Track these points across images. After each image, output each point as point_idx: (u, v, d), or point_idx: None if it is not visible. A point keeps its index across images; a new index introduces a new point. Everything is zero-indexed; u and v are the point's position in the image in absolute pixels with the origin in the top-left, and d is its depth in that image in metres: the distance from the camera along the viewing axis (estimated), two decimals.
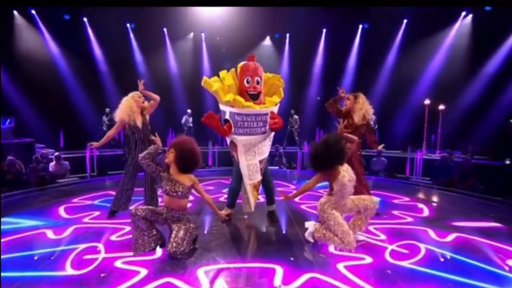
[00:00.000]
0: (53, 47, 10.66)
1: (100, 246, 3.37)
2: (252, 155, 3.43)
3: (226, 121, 3.40)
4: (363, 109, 4.05)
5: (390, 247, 3.41)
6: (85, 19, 11.05)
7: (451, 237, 3.79)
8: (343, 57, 12.43)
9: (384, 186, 6.32)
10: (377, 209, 3.54)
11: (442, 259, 3.14)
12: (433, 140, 10.40)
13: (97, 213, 4.55)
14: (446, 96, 9.94)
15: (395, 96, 10.91)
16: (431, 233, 3.90)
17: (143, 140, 4.15)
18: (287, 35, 12.85)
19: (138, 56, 11.99)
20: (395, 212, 4.72)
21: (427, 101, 9.67)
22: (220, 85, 3.39)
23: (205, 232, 3.82)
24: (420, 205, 5.14)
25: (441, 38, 11.06)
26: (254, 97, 3.38)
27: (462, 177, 6.46)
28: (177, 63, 12.49)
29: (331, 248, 3.28)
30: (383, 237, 3.74)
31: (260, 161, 3.52)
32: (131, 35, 11.94)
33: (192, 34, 12.65)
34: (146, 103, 4.05)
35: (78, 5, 9.54)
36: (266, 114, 3.42)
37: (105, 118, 10.23)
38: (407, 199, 5.55)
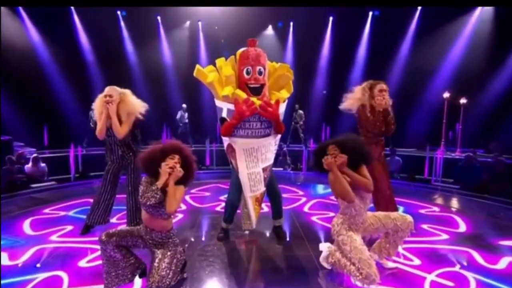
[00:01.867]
0: (35, 35, 10.13)
1: (64, 276, 2.77)
2: (254, 161, 3.03)
3: (223, 120, 3.01)
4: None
5: (429, 277, 2.81)
6: (71, 6, 10.60)
7: (503, 263, 3.14)
8: (351, 47, 12.03)
9: (402, 191, 5.67)
10: (412, 230, 2.84)
11: None
12: (450, 137, 9.88)
13: (69, 227, 3.94)
14: (468, 89, 9.39)
15: (410, 89, 10.35)
16: (477, 256, 3.28)
17: (118, 144, 3.59)
18: (291, 23, 12.50)
19: (129, 45, 11.58)
20: (425, 227, 4.09)
21: (446, 94, 9.13)
22: (217, 76, 3.03)
23: (197, 255, 3.22)
24: (453, 217, 4.53)
25: (460, 26, 10.58)
26: (256, 91, 2.98)
27: (494, 180, 5.78)
28: (172, 54, 12.05)
29: (353, 279, 2.60)
30: (417, 261, 3.12)
31: (264, 169, 3.11)
32: (122, 23, 11.53)
33: (188, 22, 12.30)
34: (114, 104, 3.40)
35: (73, 5, 9.27)
36: None
37: (92, 114, 9.55)
38: (435, 208, 4.92)
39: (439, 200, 5.45)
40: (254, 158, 3.04)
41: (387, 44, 11.23)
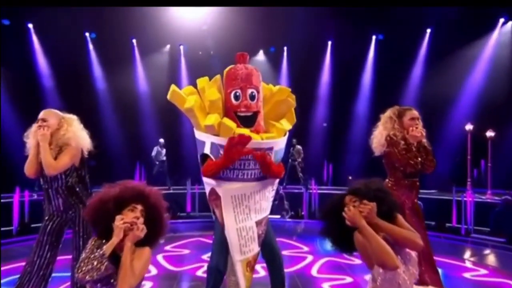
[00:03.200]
0: None
1: None
2: (246, 213, 2.81)
3: (205, 157, 2.80)
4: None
5: None
6: (30, 26, 10.38)
7: None
8: (354, 74, 12.04)
9: (432, 245, 4.96)
10: None
11: None
12: (475, 176, 9.55)
13: None
14: (495, 119, 9.17)
15: (426, 121, 9.75)
16: None
17: (59, 189, 3.07)
18: (285, 48, 12.52)
19: (97, 71, 11.45)
20: None
21: (469, 126, 8.87)
22: (198, 100, 2.81)
23: None
24: (510, 283, 3.89)
25: (477, 50, 10.58)
26: (247, 121, 2.81)
27: None
28: (148, 81, 11.79)
29: None
30: None
31: (258, 223, 2.86)
32: (90, 46, 11.44)
33: (168, 46, 12.26)
34: (47, 130, 3.00)
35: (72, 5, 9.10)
36: (271, 149, 2.83)
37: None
38: (483, 271, 4.30)
39: (483, 258, 4.92)
40: (246, 208, 2.83)
41: (395, 70, 11.18)
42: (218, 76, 2.92)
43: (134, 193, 1.99)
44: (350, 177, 11.71)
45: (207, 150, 2.77)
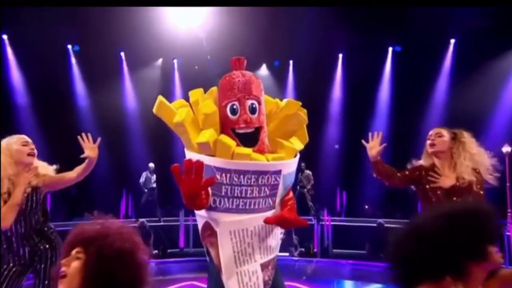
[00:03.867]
0: None
1: None
2: (249, 253, 2.69)
3: None
4: (473, 152, 3.16)
5: None
6: (4, 36, 10.34)
7: None
8: (369, 90, 11.96)
9: None
10: None
11: None
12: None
13: None
14: None
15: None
16: None
17: (23, 233, 2.98)
18: (290, 62, 12.57)
19: (79, 87, 11.42)
20: None
21: (506, 148, 8.25)
22: (190, 114, 2.73)
23: None
24: None
25: (510, 61, 10.37)
26: (248, 139, 2.71)
27: None
28: (137, 98, 11.68)
29: None
30: None
31: (264, 265, 2.73)
32: (73, 60, 11.43)
33: (160, 60, 12.28)
34: (36, 161, 3.09)
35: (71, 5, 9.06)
36: (278, 172, 2.71)
37: None
38: None
39: None
40: (248, 248, 2.72)
41: (416, 85, 10.99)
42: (214, 88, 2.84)
43: (76, 237, 1.64)
44: (366, 207, 11.33)
45: None
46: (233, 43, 10.25)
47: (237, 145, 2.66)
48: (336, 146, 12.15)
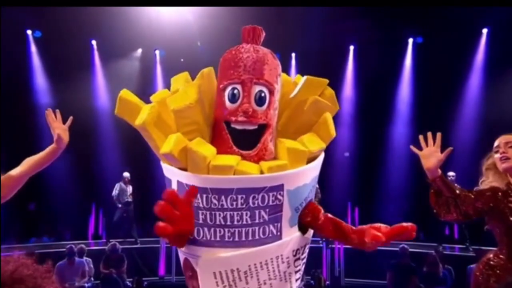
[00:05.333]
0: None
1: None
2: None
3: None
4: None
5: None
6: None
7: None
8: (386, 88, 11.88)
9: None
10: None
11: None
12: None
13: None
14: None
15: (491, 146, 9.26)
16: None
17: None
18: (293, 55, 12.43)
19: (40, 80, 11.20)
20: None
21: None
22: (153, 112, 2.45)
23: None
24: None
25: None
26: (246, 140, 2.43)
27: None
28: (111, 94, 11.31)
29: None
30: None
31: None
32: (33, 48, 11.20)
33: (139, 51, 12.24)
34: None
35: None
36: (279, 188, 2.38)
37: None
38: None
39: None
40: None
41: (441, 82, 10.95)
42: (207, 70, 2.56)
43: None
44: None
45: None
46: (226, 32, 9.87)
47: (227, 147, 2.40)
48: (347, 154, 12.06)
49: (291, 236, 2.48)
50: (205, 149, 2.38)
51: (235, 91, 2.43)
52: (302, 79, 2.65)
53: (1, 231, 8.53)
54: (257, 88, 2.43)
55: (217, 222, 2.39)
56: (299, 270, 2.57)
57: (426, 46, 11.55)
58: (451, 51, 10.82)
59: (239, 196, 2.37)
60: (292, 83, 2.71)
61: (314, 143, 2.53)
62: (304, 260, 2.65)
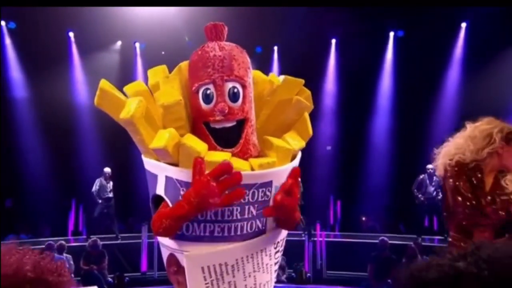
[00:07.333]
0: None
1: None
2: None
3: (158, 200, 2.50)
4: None
5: None
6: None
7: None
8: (368, 81, 11.99)
9: None
10: None
11: None
12: None
13: None
14: None
15: None
16: None
17: None
18: (275, 48, 12.49)
19: (15, 73, 11.08)
20: None
21: None
22: (141, 106, 2.42)
23: None
24: None
25: None
26: (227, 137, 2.48)
27: None
28: (89, 88, 11.11)
29: None
30: None
31: None
32: (7, 40, 11.06)
33: (119, 43, 12.15)
34: None
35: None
36: (268, 184, 2.46)
37: None
38: None
39: None
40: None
41: (422, 75, 11.18)
42: (184, 64, 2.59)
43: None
44: (364, 218, 11.30)
45: (160, 189, 2.49)
46: (204, 24, 10.11)
47: (212, 147, 2.42)
48: (329, 148, 12.13)
49: (273, 230, 2.56)
50: (198, 144, 2.42)
51: (208, 92, 2.47)
52: (281, 77, 2.72)
53: None
54: (229, 85, 2.48)
55: (208, 218, 2.43)
56: (278, 261, 2.67)
57: (407, 40, 11.72)
58: (431, 45, 11.04)
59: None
60: (268, 82, 2.75)
61: (296, 141, 2.61)
62: (281, 253, 2.73)
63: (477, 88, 10.56)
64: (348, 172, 11.64)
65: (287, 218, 2.50)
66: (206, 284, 2.47)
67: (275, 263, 2.66)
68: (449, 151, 3.01)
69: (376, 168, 11.07)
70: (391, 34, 11.89)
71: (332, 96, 12.29)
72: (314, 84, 11.76)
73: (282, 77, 2.71)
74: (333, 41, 12.17)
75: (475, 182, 2.90)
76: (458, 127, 9.21)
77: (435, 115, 11.29)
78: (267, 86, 2.69)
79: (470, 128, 2.97)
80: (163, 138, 2.40)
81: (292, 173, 2.48)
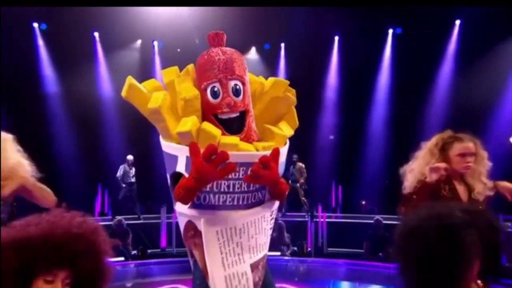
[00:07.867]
0: None
1: None
2: (237, 253, 2.73)
3: (178, 176, 2.68)
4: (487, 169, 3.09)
5: None
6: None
7: None
8: (368, 76, 12.06)
9: None
10: None
11: None
12: None
13: None
14: None
15: (460, 132, 9.82)
16: None
17: None
18: (282, 45, 12.66)
19: (47, 70, 11.28)
20: None
21: None
22: (167, 97, 2.70)
23: None
24: None
25: None
26: (233, 125, 2.73)
27: None
28: (113, 83, 11.47)
29: None
30: None
31: (254, 266, 2.78)
32: (39, 41, 11.25)
33: (139, 42, 12.31)
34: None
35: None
36: None
37: None
38: None
39: None
40: (237, 247, 2.74)
41: (418, 70, 11.23)
42: (190, 66, 2.78)
43: (59, 248, 1.47)
44: (363, 202, 11.62)
45: (180, 167, 2.61)
46: (220, 23, 9.72)
47: (222, 133, 2.68)
48: (331, 137, 12.21)
49: (269, 201, 2.86)
50: (214, 130, 2.63)
51: (215, 89, 2.70)
52: (270, 79, 2.97)
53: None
54: (232, 83, 2.71)
55: (222, 190, 2.66)
56: (272, 227, 2.93)
57: (405, 37, 11.72)
58: (426, 42, 10.95)
59: (241, 169, 2.62)
60: (258, 83, 2.98)
61: (287, 129, 2.89)
62: (274, 220, 3.00)
63: (469, 82, 10.59)
64: (349, 159, 11.64)
65: (270, 188, 2.73)
66: (219, 244, 2.70)
67: (270, 228, 2.91)
68: (413, 172, 3.04)
69: (374, 156, 11.18)
70: (390, 31, 11.93)
71: (334, 89, 12.37)
72: (318, 78, 12.34)
73: (271, 78, 2.98)
74: (336, 38, 12.24)
75: (445, 194, 2.91)
76: (451, 118, 9.46)
77: (429, 107, 11.28)
78: (258, 86, 2.94)
79: (424, 146, 3.06)
80: (188, 123, 2.62)
81: (272, 152, 2.63)
